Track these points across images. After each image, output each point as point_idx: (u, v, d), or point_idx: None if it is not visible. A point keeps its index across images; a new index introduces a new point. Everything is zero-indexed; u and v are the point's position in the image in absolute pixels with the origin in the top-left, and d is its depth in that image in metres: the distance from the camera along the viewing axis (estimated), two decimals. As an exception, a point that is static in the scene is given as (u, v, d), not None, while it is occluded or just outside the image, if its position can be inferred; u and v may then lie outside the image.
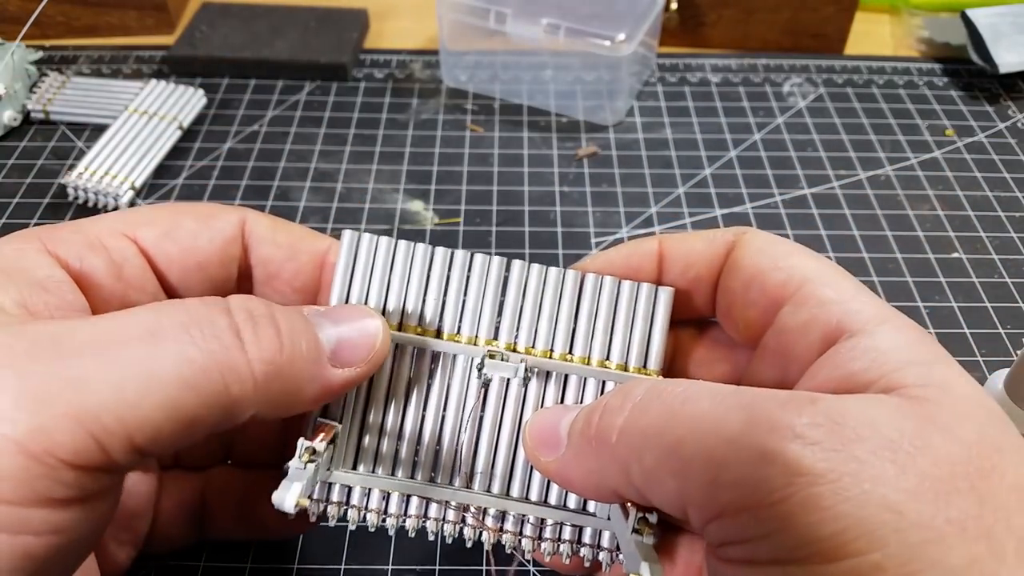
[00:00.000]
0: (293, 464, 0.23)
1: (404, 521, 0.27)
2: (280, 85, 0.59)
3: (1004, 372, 0.35)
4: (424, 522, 0.27)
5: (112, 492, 0.21)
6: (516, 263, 0.27)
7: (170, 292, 0.28)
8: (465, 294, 0.27)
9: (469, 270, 0.27)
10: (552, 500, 0.27)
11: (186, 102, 0.54)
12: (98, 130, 0.53)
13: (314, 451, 0.24)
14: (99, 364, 0.20)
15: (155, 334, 0.20)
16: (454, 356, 0.27)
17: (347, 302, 0.27)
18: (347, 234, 0.27)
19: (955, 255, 0.47)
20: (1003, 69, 0.57)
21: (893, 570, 0.17)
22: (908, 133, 0.56)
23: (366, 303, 0.27)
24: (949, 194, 0.51)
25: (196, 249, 0.27)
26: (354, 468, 0.27)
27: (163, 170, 0.51)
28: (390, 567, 0.32)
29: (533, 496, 0.27)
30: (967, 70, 0.61)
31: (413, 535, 0.27)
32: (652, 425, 0.21)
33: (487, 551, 0.27)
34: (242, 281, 0.29)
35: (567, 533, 0.27)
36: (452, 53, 0.59)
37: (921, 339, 0.22)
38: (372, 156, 0.53)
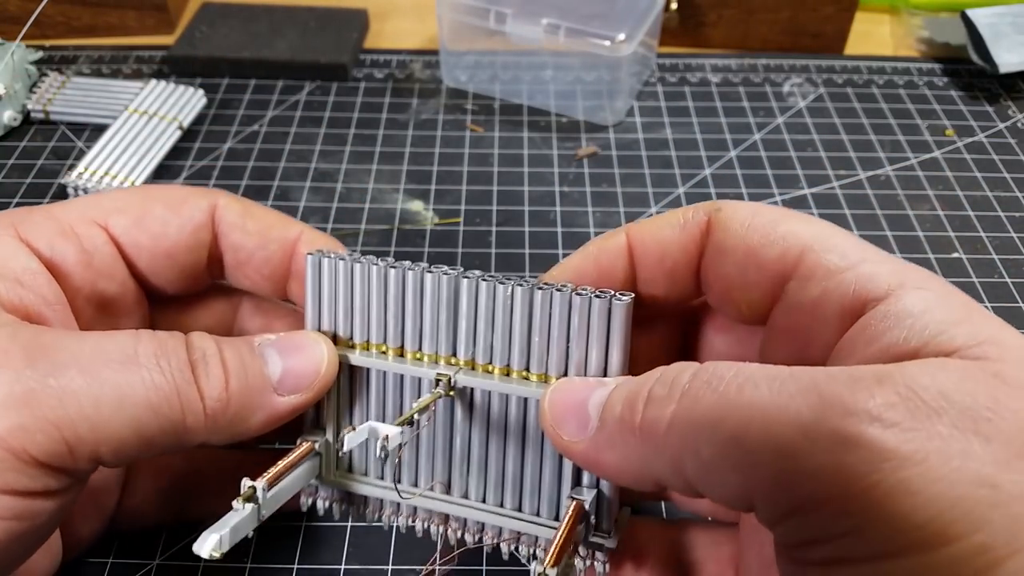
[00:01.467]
0: (235, 503, 0.24)
1: (395, 520, 0.28)
2: (280, 85, 0.59)
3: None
4: (425, 523, 0.28)
5: (69, 492, 0.23)
6: (464, 282, 0.26)
7: (139, 278, 0.28)
8: (422, 313, 0.26)
9: (421, 291, 0.26)
10: (543, 514, 0.27)
11: (186, 102, 0.54)
12: (98, 130, 0.53)
13: (254, 490, 0.24)
14: (83, 379, 0.22)
15: (132, 359, 0.23)
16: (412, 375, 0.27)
17: (319, 323, 0.27)
18: (309, 259, 0.27)
19: (955, 255, 0.47)
20: (1003, 69, 0.57)
21: (1001, 549, 0.16)
22: (908, 133, 0.56)
23: (335, 325, 0.27)
24: (949, 194, 0.51)
25: (165, 237, 0.28)
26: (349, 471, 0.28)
27: (163, 170, 0.51)
28: (390, 567, 0.32)
29: (525, 509, 0.27)
30: (967, 70, 0.61)
31: (405, 531, 0.27)
32: (707, 415, 0.19)
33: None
34: (213, 264, 0.29)
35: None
36: (452, 53, 0.59)
37: (948, 293, 0.20)
38: (372, 156, 0.53)
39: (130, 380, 0.22)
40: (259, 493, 0.24)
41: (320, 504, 0.29)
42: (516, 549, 0.27)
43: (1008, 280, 0.45)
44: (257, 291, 0.30)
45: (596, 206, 0.49)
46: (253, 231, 0.28)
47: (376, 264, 0.26)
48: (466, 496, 0.27)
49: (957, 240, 0.48)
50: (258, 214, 0.29)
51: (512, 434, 0.27)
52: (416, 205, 0.49)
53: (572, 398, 0.23)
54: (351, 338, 0.27)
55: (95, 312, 0.27)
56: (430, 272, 0.26)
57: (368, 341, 0.27)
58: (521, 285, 0.25)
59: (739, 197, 0.50)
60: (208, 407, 0.24)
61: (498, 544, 0.27)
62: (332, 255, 0.27)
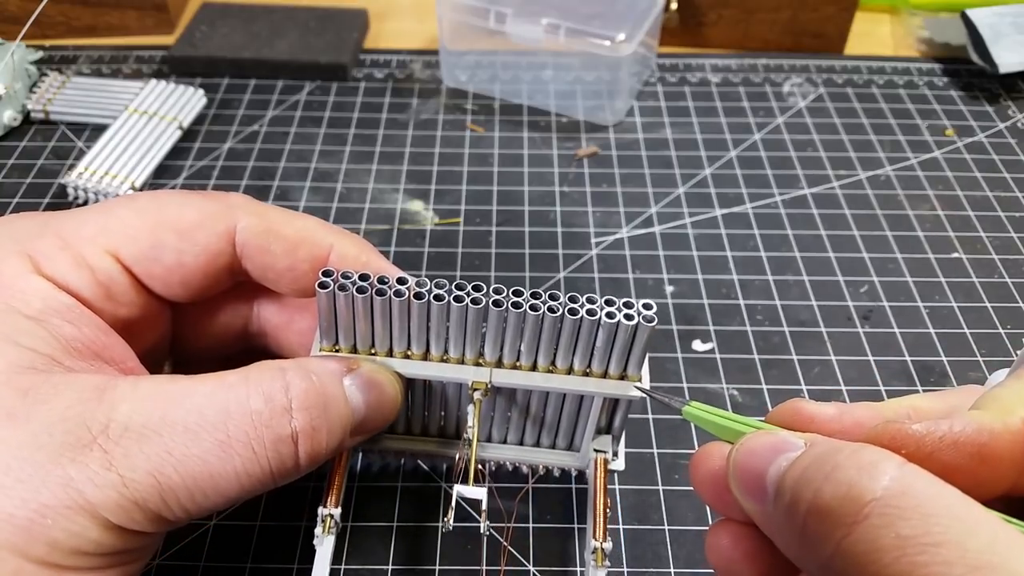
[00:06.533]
0: (318, 533, 0.26)
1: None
2: (280, 85, 0.59)
3: (1004, 372, 0.35)
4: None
5: (150, 545, 0.25)
6: (494, 311, 0.26)
7: (155, 296, 0.28)
8: (438, 330, 0.27)
9: (447, 315, 0.26)
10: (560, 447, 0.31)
11: (186, 102, 0.54)
12: (98, 130, 0.53)
13: (332, 517, 0.26)
14: (179, 477, 0.22)
15: (224, 445, 0.23)
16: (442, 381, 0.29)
17: (336, 341, 0.28)
18: (322, 295, 0.26)
19: (955, 255, 0.47)
20: (1003, 69, 0.57)
21: None
22: (908, 133, 0.56)
23: (353, 340, 0.28)
24: (949, 194, 0.51)
25: (180, 267, 0.27)
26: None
27: (163, 170, 0.51)
28: (390, 567, 0.32)
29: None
30: (967, 70, 0.61)
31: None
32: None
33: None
34: (235, 274, 0.29)
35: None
36: (452, 53, 0.59)
37: None
38: (372, 156, 0.53)
39: (223, 471, 0.23)
40: (336, 519, 0.26)
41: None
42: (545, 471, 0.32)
43: (1008, 280, 0.45)
44: (286, 294, 0.30)
45: (596, 206, 0.49)
46: (280, 252, 0.28)
47: (388, 295, 0.26)
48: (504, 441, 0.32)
49: (957, 240, 0.48)
50: (284, 231, 0.28)
51: (534, 410, 0.30)
52: (416, 205, 0.49)
53: (755, 463, 0.20)
54: (372, 347, 0.28)
55: (120, 332, 0.27)
56: (439, 300, 0.26)
57: (391, 350, 0.28)
58: (551, 311, 0.26)
59: (739, 197, 0.50)
60: (301, 468, 0.24)
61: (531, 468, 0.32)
62: (348, 284, 0.26)
